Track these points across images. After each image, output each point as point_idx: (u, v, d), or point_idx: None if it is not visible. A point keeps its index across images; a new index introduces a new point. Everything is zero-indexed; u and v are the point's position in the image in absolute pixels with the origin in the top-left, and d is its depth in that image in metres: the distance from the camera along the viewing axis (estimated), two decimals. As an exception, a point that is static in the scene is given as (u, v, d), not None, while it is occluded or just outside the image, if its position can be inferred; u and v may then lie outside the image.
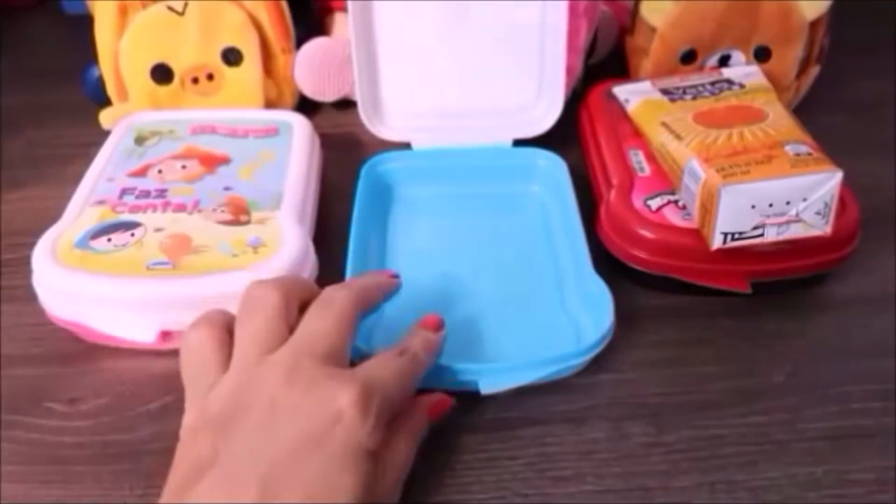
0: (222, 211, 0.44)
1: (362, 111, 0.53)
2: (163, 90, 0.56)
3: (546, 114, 0.53)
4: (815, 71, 0.57)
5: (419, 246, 0.48)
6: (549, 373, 0.37)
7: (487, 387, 0.36)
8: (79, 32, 0.58)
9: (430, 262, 0.46)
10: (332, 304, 0.33)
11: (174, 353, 0.41)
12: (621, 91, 0.52)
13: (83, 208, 0.44)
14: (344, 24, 0.55)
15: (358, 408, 0.29)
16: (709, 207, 0.39)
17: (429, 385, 0.36)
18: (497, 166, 0.52)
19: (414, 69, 0.54)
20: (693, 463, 0.36)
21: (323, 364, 0.31)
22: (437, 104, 0.54)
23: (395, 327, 0.37)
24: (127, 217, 0.43)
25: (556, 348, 0.38)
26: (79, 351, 0.42)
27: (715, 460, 0.36)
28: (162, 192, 0.45)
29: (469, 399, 0.37)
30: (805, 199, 0.39)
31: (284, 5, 0.57)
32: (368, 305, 0.35)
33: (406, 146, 0.53)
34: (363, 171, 0.49)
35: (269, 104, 0.58)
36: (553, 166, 0.50)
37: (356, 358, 0.34)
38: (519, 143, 0.52)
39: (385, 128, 0.54)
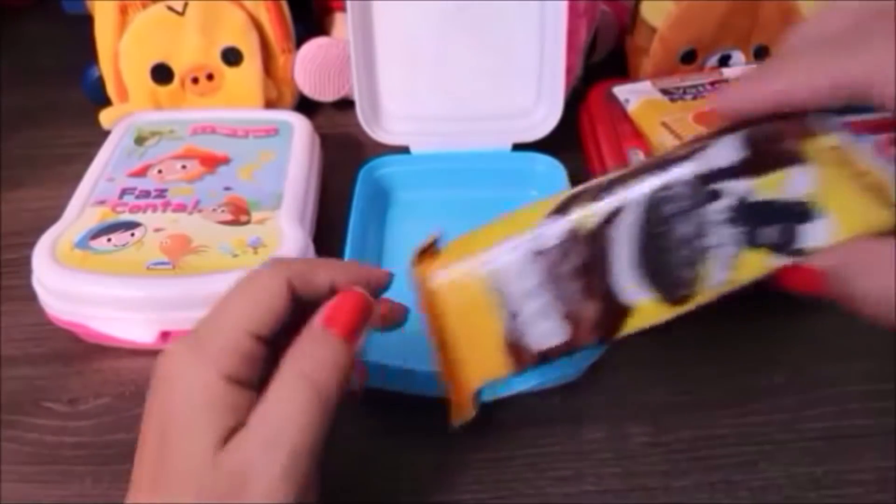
0: (222, 211, 0.44)
1: (361, 115, 0.53)
2: (163, 90, 0.56)
3: (546, 118, 0.53)
4: (815, 71, 0.57)
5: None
6: (546, 380, 0.37)
7: (484, 395, 0.36)
8: (79, 32, 0.58)
9: None
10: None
11: (174, 353, 0.41)
12: (621, 91, 0.52)
13: (83, 208, 0.44)
14: (344, 24, 0.55)
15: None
16: (709, 207, 0.39)
17: (422, 393, 0.36)
18: (495, 171, 0.52)
19: (413, 72, 0.54)
20: (693, 463, 0.36)
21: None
22: (437, 108, 0.54)
23: (392, 332, 0.37)
24: (127, 217, 0.43)
25: None
26: (79, 351, 0.42)
27: (715, 460, 0.36)
28: (162, 192, 0.45)
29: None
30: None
31: (284, 5, 0.57)
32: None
33: (405, 150, 0.53)
34: (361, 175, 0.49)
35: (269, 104, 0.58)
36: (551, 171, 0.50)
37: None
38: (518, 145, 0.52)
39: (383, 132, 0.54)
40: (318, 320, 0.27)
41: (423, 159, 0.52)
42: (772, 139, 0.21)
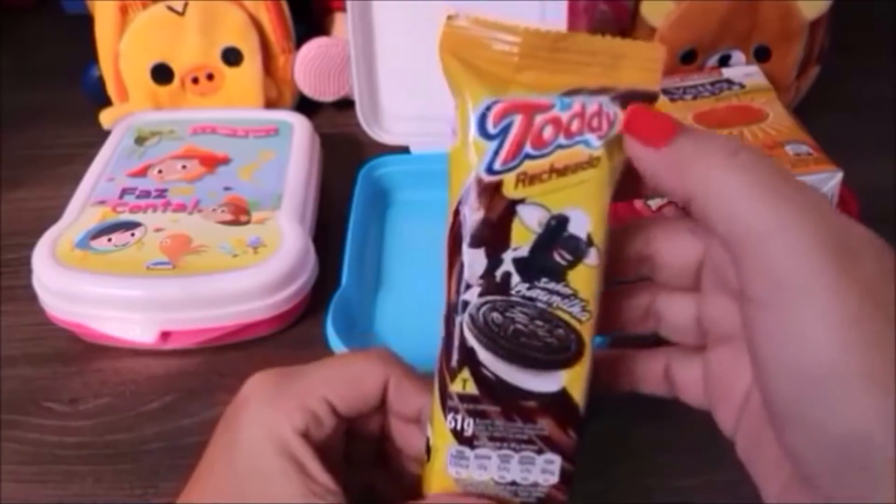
0: (222, 211, 0.44)
1: (361, 115, 0.53)
2: (163, 90, 0.56)
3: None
4: (815, 71, 0.57)
5: (416, 250, 0.48)
6: None
7: None
8: (79, 32, 0.58)
9: (427, 267, 0.46)
10: None
11: (174, 353, 0.41)
12: (621, 91, 0.53)
13: (83, 208, 0.44)
14: (344, 24, 0.55)
15: None
16: (709, 207, 0.39)
17: None
18: None
19: (413, 72, 0.53)
20: (694, 462, 0.36)
21: None
22: (437, 108, 0.54)
23: (392, 332, 0.37)
24: (127, 217, 0.43)
25: None
26: (79, 351, 0.42)
27: (716, 459, 0.36)
28: (162, 192, 0.45)
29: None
30: (805, 199, 0.39)
31: (284, 5, 0.57)
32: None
33: (405, 150, 0.53)
34: (360, 175, 0.49)
35: (269, 104, 0.58)
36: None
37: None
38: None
39: (383, 132, 0.54)
40: None
41: (423, 159, 0.52)
42: (484, 225, 0.23)
